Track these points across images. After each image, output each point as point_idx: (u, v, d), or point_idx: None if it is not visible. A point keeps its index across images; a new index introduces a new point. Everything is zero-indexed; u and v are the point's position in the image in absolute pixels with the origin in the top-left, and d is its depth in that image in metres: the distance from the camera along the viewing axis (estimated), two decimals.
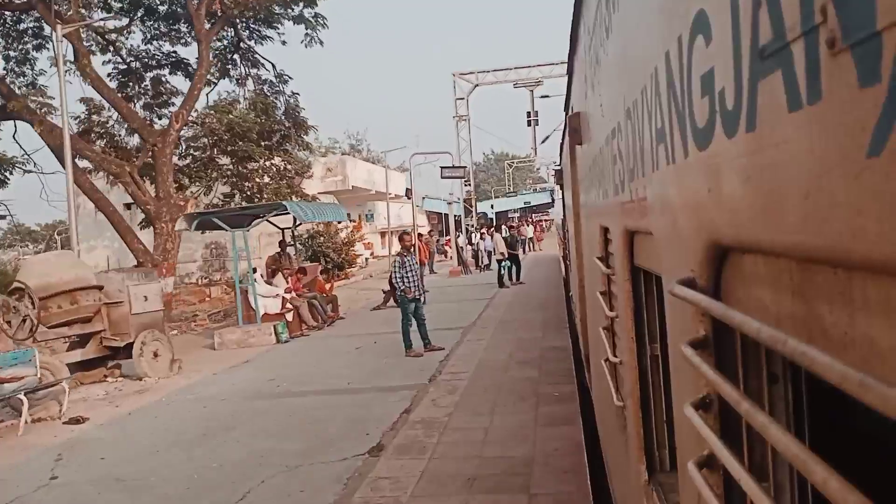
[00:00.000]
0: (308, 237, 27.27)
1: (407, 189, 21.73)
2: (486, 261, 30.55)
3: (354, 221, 31.55)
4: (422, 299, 11.83)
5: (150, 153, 21.91)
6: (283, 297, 15.25)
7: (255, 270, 15.27)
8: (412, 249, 11.80)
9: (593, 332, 4.61)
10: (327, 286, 17.76)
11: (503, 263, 22.36)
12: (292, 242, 18.22)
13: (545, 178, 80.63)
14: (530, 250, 41.51)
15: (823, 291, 0.76)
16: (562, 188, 12.64)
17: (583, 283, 6.00)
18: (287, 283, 15.71)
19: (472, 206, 36.68)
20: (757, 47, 0.84)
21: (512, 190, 77.55)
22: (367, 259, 38.41)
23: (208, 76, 24.26)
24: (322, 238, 29.13)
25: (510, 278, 22.69)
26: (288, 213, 16.15)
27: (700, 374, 1.10)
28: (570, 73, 5.50)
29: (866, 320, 0.66)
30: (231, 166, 25.12)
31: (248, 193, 24.63)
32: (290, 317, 15.05)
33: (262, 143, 25.03)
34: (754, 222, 0.91)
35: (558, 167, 15.47)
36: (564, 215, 13.06)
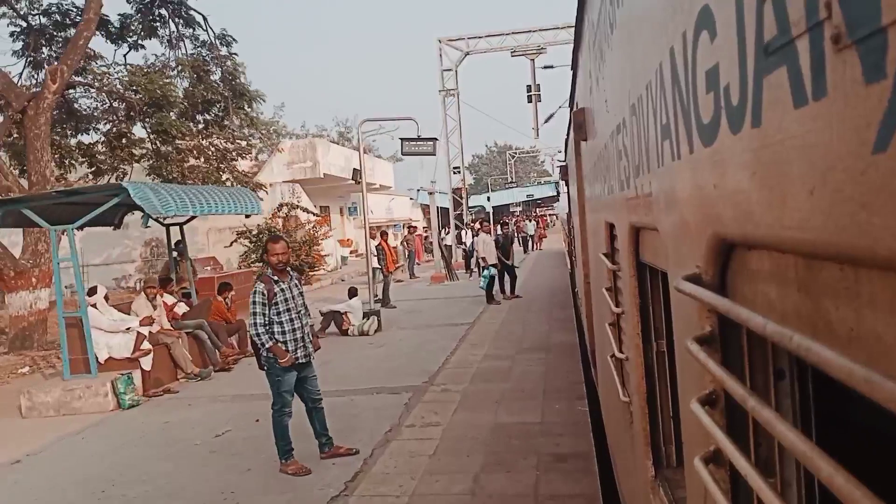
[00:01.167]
0: (257, 234, 22.41)
1: (354, 170, 16.96)
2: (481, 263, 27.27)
3: (319, 215, 25.91)
4: (310, 360, 6.36)
5: (15, 122, 16.33)
6: (140, 333, 9.73)
7: (92, 291, 9.95)
8: (288, 269, 6.39)
9: (599, 328, 4.61)
10: (228, 307, 12.25)
11: (486, 273, 16.70)
12: (182, 245, 13.85)
13: (550, 171, 76.35)
14: (533, 249, 38.04)
15: (829, 287, 0.76)
16: (567, 184, 12.60)
17: (588, 279, 6.00)
18: (156, 307, 10.57)
19: (461, 198, 30.03)
20: (762, 43, 0.84)
21: (512, 181, 71.19)
22: (344, 259, 33.92)
23: (133, 37, 19.58)
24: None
25: (503, 290, 17.43)
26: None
27: (706, 370, 1.10)
28: (574, 68, 5.50)
29: (872, 316, 0.66)
30: (149, 145, 19.94)
31: (169, 179, 18.83)
32: (148, 363, 9.67)
33: (200, 117, 20.65)
34: (760, 218, 0.91)
35: (563, 162, 15.47)
36: (570, 211, 13.05)
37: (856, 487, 0.58)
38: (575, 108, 5.33)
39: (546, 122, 31.38)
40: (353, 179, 16.59)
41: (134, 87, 18.73)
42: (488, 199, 50.35)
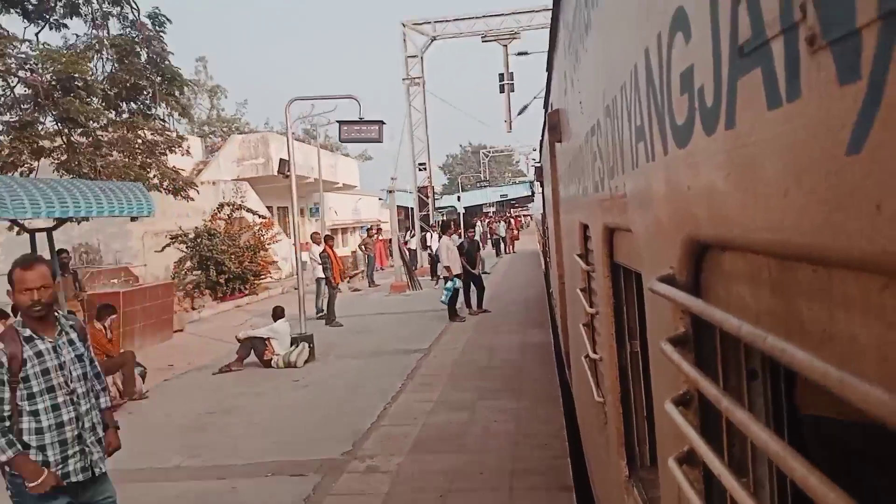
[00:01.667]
0: (194, 238, 19.79)
1: (282, 160, 14.20)
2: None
3: (265, 216, 22.93)
4: (97, 474, 3.72)
5: None
6: None
7: None
8: (58, 315, 3.72)
9: (573, 329, 4.63)
10: (108, 337, 9.44)
11: (448, 285, 14.23)
12: (65, 255, 11.88)
13: (524, 171, 73.60)
14: (505, 251, 35.46)
15: (803, 288, 0.76)
16: (542, 185, 12.65)
17: (563, 279, 6.03)
18: None
19: (427, 197, 27.64)
20: (736, 45, 0.84)
21: (484, 179, 67.95)
22: (304, 264, 31.19)
23: (54, 17, 17.12)
24: (215, 240, 20.17)
25: (468, 304, 14.97)
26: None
27: (680, 371, 1.10)
28: (549, 68, 5.52)
29: (846, 317, 0.66)
30: (62, 137, 16.87)
31: (81, 175, 15.68)
32: None
33: (126, 105, 18.05)
34: (734, 219, 0.92)
35: (538, 164, 15.50)
36: (544, 211, 13.12)
37: (829, 488, 0.58)
38: (550, 110, 5.35)
39: (520, 113, 28.28)
40: (279, 173, 13.81)
41: (29, 67, 15.85)
42: (458, 198, 47.92)
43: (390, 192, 22.82)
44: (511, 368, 9.68)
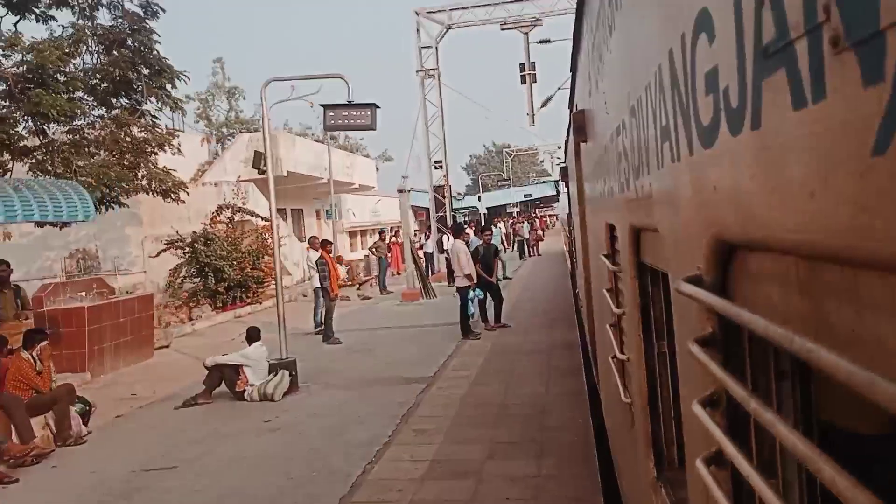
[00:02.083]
0: (191, 243, 18.22)
1: (257, 153, 11.81)
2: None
3: (267, 219, 18.97)
4: None
5: None
6: None
7: None
8: None
9: (600, 329, 4.61)
10: (37, 369, 7.89)
11: (471, 294, 12.49)
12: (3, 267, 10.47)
13: (549, 171, 71.10)
14: (529, 254, 33.73)
15: (830, 289, 0.76)
16: (567, 185, 12.60)
17: (589, 280, 6.00)
18: None
19: (444, 197, 25.33)
20: (760, 45, 0.84)
21: (505, 178, 65.76)
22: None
23: (41, 9, 15.64)
24: (213, 245, 18.33)
25: (485, 318, 13.03)
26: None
27: (707, 372, 1.10)
28: (573, 70, 5.50)
29: (873, 318, 0.66)
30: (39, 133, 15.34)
31: (56, 176, 14.22)
32: None
33: (116, 101, 16.61)
34: (760, 220, 0.91)
35: (563, 164, 15.44)
36: (570, 212, 13.06)
37: (858, 490, 0.58)
38: (574, 111, 5.33)
39: (543, 105, 25.55)
40: (254, 167, 11.26)
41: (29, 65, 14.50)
42: (479, 198, 46.01)
43: (401, 191, 21.22)
44: (532, 409, 7.60)
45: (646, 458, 2.38)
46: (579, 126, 4.46)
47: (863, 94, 0.60)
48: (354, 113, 10.79)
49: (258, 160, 10.68)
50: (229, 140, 39.66)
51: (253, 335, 9.50)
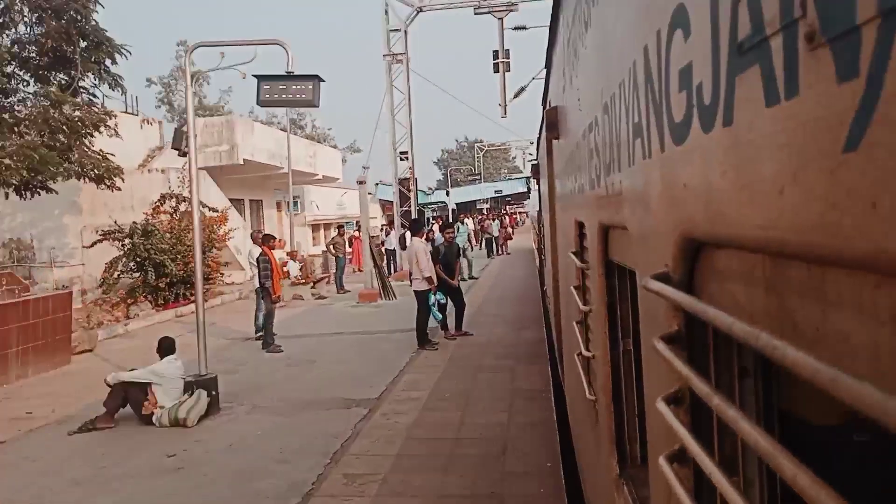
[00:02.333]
0: (129, 234, 16.80)
1: (177, 131, 10.75)
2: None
3: (217, 210, 19.32)
4: None
5: None
6: None
7: None
8: None
9: (567, 326, 4.63)
10: None
11: (431, 299, 11.11)
12: None
13: (521, 168, 71.32)
14: (498, 252, 32.34)
15: (796, 287, 0.76)
16: (538, 182, 12.64)
17: (557, 277, 6.03)
18: None
19: (410, 191, 24.01)
20: (736, 42, 0.84)
21: (475, 173, 62.86)
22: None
23: None
24: (153, 238, 16.93)
25: (444, 325, 11.73)
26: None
27: (672, 369, 1.10)
28: (548, 65, 5.51)
29: (839, 316, 0.66)
30: None
31: None
32: None
33: (54, 76, 15.41)
34: (729, 217, 0.91)
35: (534, 161, 15.48)
36: (540, 209, 13.12)
37: (819, 487, 0.58)
38: (548, 107, 5.34)
39: (516, 96, 24.14)
40: (175, 148, 10.61)
41: None
42: (447, 193, 44.13)
43: (361, 182, 19.70)
44: (491, 446, 6.34)
45: (609, 456, 2.39)
46: (552, 122, 4.47)
47: (837, 90, 0.59)
48: (294, 87, 9.13)
49: (178, 139, 8.70)
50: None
51: (165, 347, 7.99)
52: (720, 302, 1.02)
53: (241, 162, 24.53)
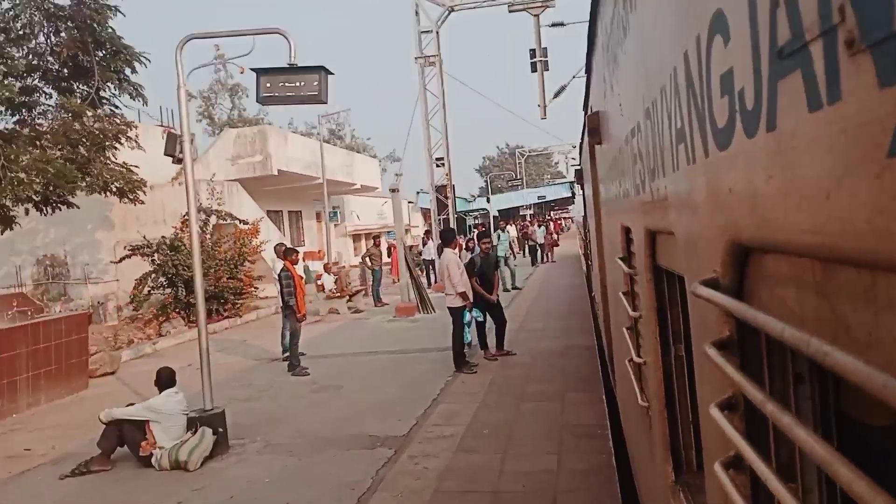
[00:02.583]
0: (156, 250, 16.16)
1: (170, 135, 7.86)
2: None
3: (248, 223, 18.69)
4: None
5: None
6: None
7: None
8: None
9: (617, 332, 4.59)
10: None
11: (467, 317, 10.20)
12: None
13: (564, 173, 70.23)
14: (543, 260, 30.47)
15: (847, 291, 0.75)
16: (582, 188, 12.55)
17: (605, 282, 5.98)
18: None
19: (447, 198, 22.90)
20: (776, 47, 0.84)
21: (515, 178, 61.50)
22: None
23: None
24: (181, 253, 15.96)
25: (484, 345, 10.68)
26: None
27: (724, 375, 1.09)
28: (588, 71, 5.49)
29: (891, 320, 0.65)
30: None
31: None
32: None
33: (77, 86, 14.90)
34: (776, 222, 0.91)
35: (578, 166, 15.36)
36: (585, 214, 13.01)
37: (877, 493, 0.58)
38: (589, 112, 5.32)
39: (556, 96, 22.21)
40: (168, 154, 8.52)
41: None
42: (488, 200, 42.66)
43: (394, 190, 18.51)
44: (539, 500, 5.30)
45: (664, 462, 2.37)
46: (594, 128, 4.45)
47: (878, 95, 0.60)
48: (298, 82, 7.88)
49: (171, 145, 7.61)
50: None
51: (164, 379, 7.11)
52: (771, 307, 1.01)
53: (276, 173, 23.93)
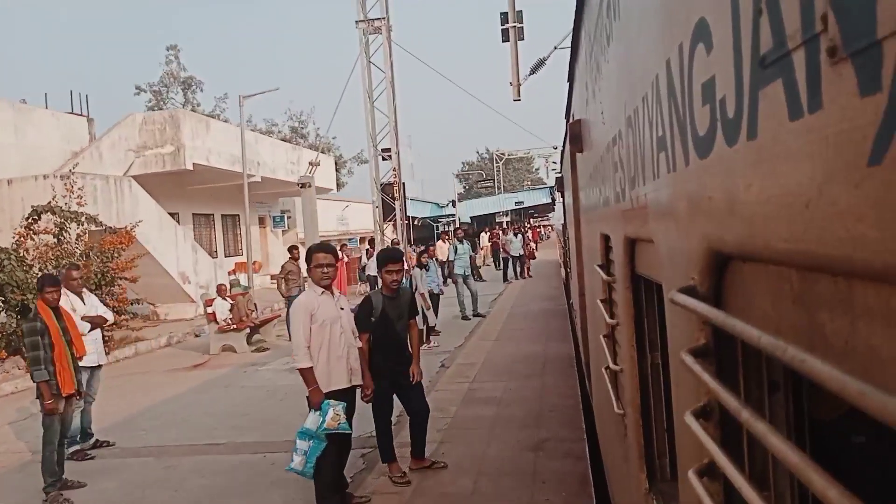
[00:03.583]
0: None
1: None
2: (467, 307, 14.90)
3: (109, 228, 14.36)
4: None
5: None
6: None
7: None
8: None
9: (594, 340, 4.60)
10: None
11: (325, 407, 5.04)
12: None
13: (544, 180, 66.55)
14: (518, 275, 25.06)
15: (824, 300, 0.76)
16: (563, 195, 12.60)
17: (583, 290, 6.00)
18: None
19: (395, 199, 18.18)
20: (758, 56, 0.84)
21: (486, 179, 57.63)
22: (246, 288, 15.93)
23: None
24: (10, 270, 11.75)
25: (389, 455, 5.86)
26: None
27: (700, 383, 1.09)
28: (571, 79, 5.52)
29: (867, 329, 0.66)
30: None
31: None
32: None
33: None
34: (755, 231, 0.91)
35: (559, 174, 15.34)
36: (565, 222, 13.07)
37: (849, 501, 0.58)
38: (571, 120, 5.35)
39: (533, 72, 17.93)
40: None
41: None
42: (453, 204, 38.06)
43: (303, 185, 15.07)
44: None
45: (638, 470, 2.37)
46: (575, 135, 4.47)
47: (859, 103, 0.60)
48: None
49: None
50: None
51: None
52: (748, 315, 1.02)
53: (190, 167, 19.13)
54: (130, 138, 19.24)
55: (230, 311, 13.65)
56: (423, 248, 9.09)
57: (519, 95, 16.98)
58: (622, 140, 2.21)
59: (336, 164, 37.54)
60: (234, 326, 13.56)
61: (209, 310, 13.76)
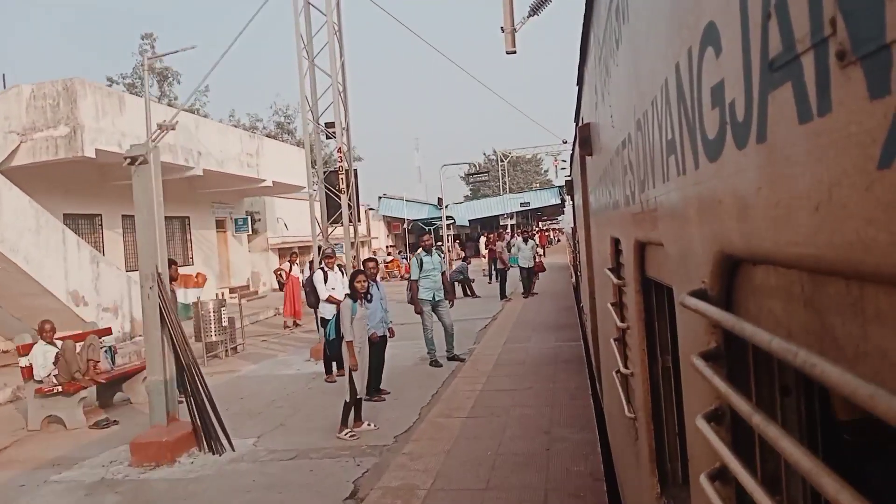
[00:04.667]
0: None
1: None
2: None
3: None
4: None
5: None
6: None
7: None
8: None
9: (604, 344, 4.59)
10: None
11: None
12: None
13: (553, 182, 62.45)
14: (525, 293, 19.24)
15: (835, 303, 0.76)
16: (572, 199, 12.57)
17: (593, 294, 5.99)
18: None
19: (341, 192, 11.99)
20: (767, 59, 0.84)
21: (483, 172, 52.67)
22: (186, 308, 13.59)
23: None
24: None
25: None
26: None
27: (711, 386, 1.09)
28: (580, 83, 5.52)
29: (878, 332, 0.65)
30: None
31: None
32: None
33: None
34: (765, 234, 0.91)
35: (568, 177, 15.31)
36: (575, 225, 13.03)
37: None
38: (580, 123, 5.35)
39: (532, 14, 13.99)
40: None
41: None
42: (439, 202, 32.00)
43: (132, 161, 7.02)
44: None
45: (649, 474, 2.36)
46: (585, 139, 4.47)
47: (868, 107, 0.60)
48: None
49: None
50: None
51: None
52: (759, 318, 1.01)
53: (92, 154, 13.91)
54: (14, 117, 13.91)
55: (54, 362, 8.43)
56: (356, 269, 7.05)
57: (514, 46, 13.05)
58: (632, 143, 2.21)
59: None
60: (64, 387, 8.31)
61: (23, 361, 8.40)
